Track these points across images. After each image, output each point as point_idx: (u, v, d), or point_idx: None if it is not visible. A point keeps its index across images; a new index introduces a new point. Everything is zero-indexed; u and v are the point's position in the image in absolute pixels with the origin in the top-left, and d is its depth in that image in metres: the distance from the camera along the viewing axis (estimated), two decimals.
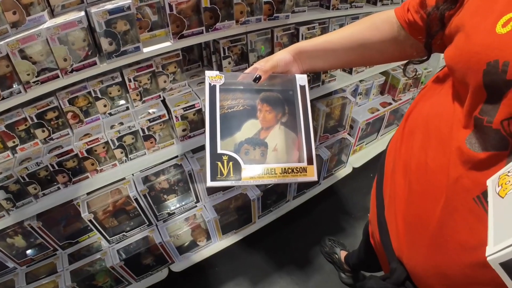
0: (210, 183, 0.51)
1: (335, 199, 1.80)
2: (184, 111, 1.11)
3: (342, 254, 1.46)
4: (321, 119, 1.48)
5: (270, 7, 1.10)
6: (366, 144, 1.86)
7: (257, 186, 1.37)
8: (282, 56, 0.62)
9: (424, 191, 0.46)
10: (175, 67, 1.16)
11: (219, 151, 0.54)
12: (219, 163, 0.53)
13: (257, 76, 0.58)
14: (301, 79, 0.63)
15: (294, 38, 1.37)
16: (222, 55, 1.22)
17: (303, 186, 1.58)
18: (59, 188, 1.05)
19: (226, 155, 0.54)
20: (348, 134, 1.66)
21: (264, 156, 0.57)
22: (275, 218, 1.52)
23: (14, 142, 1.00)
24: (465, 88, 0.39)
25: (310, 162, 0.57)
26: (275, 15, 1.12)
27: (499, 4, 0.36)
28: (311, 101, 1.47)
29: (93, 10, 0.86)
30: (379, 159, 0.66)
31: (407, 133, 0.55)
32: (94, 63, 0.91)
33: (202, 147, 1.24)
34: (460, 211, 0.40)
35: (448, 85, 0.47)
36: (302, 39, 1.36)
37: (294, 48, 0.64)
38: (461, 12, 0.42)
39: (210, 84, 0.58)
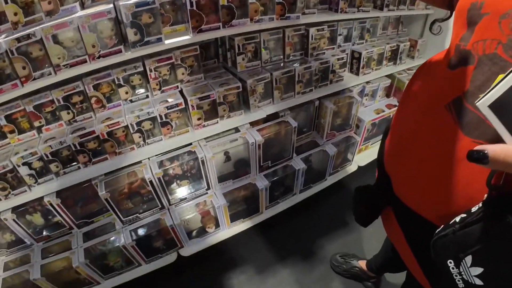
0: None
1: (340, 196, 1.83)
2: (200, 100, 1.18)
3: (362, 263, 1.42)
4: (329, 117, 1.53)
5: (282, 8, 1.17)
6: (371, 144, 1.90)
7: (266, 176, 1.42)
8: None
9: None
10: (192, 61, 1.23)
11: None
12: None
13: None
14: None
15: (304, 38, 1.44)
16: (236, 51, 1.29)
17: (310, 181, 1.62)
18: (79, 168, 1.11)
19: None
20: (354, 133, 1.71)
21: None
22: (281, 210, 1.55)
23: (40, 122, 1.07)
24: (455, 24, 0.51)
25: None
26: (286, 15, 1.19)
27: None
28: (319, 98, 1.54)
29: (121, 3, 0.93)
30: None
31: None
32: (120, 51, 0.98)
33: (215, 135, 1.30)
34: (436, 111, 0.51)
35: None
36: (312, 39, 1.43)
37: None
38: None
39: None
